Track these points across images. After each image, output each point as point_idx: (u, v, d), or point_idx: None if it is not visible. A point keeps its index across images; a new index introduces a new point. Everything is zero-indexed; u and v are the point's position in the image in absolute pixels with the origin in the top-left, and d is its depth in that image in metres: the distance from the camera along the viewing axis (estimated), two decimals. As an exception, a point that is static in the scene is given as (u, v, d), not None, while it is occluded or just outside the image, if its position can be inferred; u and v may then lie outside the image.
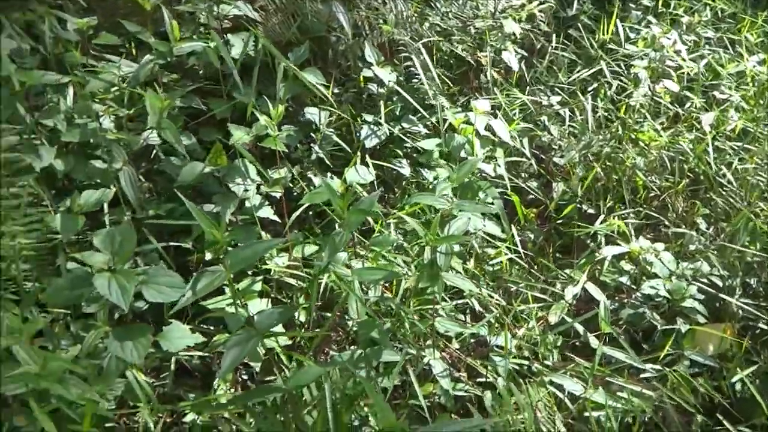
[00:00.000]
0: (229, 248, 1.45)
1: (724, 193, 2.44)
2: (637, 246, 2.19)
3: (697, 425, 1.85)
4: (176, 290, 1.42)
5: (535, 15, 2.82)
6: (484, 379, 1.88)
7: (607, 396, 1.75)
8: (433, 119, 2.42)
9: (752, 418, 1.81)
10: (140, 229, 1.89)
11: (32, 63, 1.91)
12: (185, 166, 1.94)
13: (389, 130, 2.33)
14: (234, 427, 1.62)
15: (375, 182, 2.20)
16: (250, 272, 1.96)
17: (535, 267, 2.32)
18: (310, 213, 2.26)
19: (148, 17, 2.19)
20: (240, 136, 1.97)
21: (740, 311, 2.04)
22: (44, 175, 1.80)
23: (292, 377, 1.49)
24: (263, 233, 1.99)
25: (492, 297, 2.03)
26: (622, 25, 2.95)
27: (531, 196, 2.55)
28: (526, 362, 1.89)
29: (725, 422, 1.77)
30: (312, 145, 2.28)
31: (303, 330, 1.89)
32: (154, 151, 2.08)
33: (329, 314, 1.93)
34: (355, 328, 1.89)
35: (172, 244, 1.96)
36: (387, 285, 2.02)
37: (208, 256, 1.92)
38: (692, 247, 2.27)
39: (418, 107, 2.37)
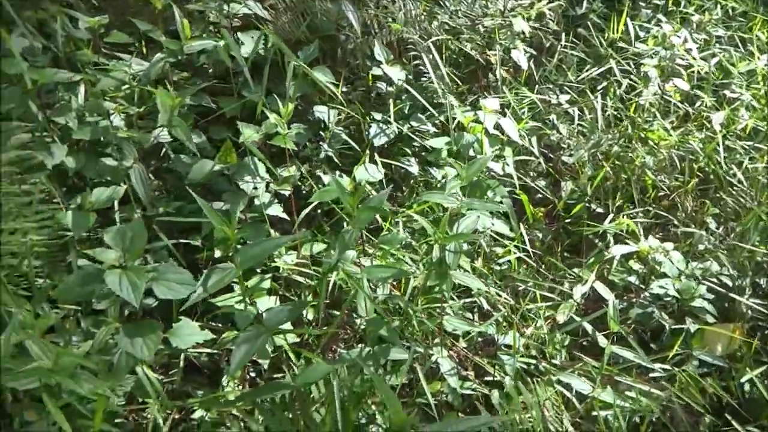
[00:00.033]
0: (238, 246, 1.46)
1: (734, 192, 2.43)
2: (646, 245, 2.18)
3: (705, 426, 1.84)
4: (186, 287, 1.43)
5: (544, 13, 2.82)
6: (491, 378, 1.88)
7: (615, 395, 1.75)
8: (442, 118, 2.42)
9: (761, 419, 1.81)
10: (150, 227, 1.90)
11: (44, 61, 1.92)
12: (195, 163, 1.95)
13: (398, 128, 2.33)
14: (242, 423, 1.63)
15: (384, 181, 2.20)
16: (258, 270, 1.97)
17: (543, 266, 2.31)
18: (319, 211, 2.27)
19: (159, 16, 2.20)
20: (250, 134, 1.97)
21: (749, 311, 2.03)
22: (56, 172, 1.81)
23: (301, 374, 1.49)
24: (272, 231, 2.00)
25: (500, 296, 2.03)
26: (632, 24, 2.93)
27: (539, 196, 2.55)
28: (534, 361, 1.89)
29: (734, 422, 1.76)
30: (321, 143, 2.28)
31: (311, 328, 1.90)
32: (164, 150, 2.09)
33: (337, 312, 1.94)
34: (363, 326, 1.90)
35: (181, 241, 1.97)
36: (395, 283, 2.02)
37: (217, 253, 1.93)
38: (701, 247, 2.26)
39: (428, 105, 2.37)
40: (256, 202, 1.98)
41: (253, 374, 1.94)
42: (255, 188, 1.97)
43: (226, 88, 2.21)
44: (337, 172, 2.23)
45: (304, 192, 2.24)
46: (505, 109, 2.54)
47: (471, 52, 2.64)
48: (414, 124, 2.40)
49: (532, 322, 2.04)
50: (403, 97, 2.43)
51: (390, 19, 2.47)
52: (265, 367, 1.86)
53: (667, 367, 1.88)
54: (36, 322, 1.30)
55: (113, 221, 1.87)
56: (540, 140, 2.56)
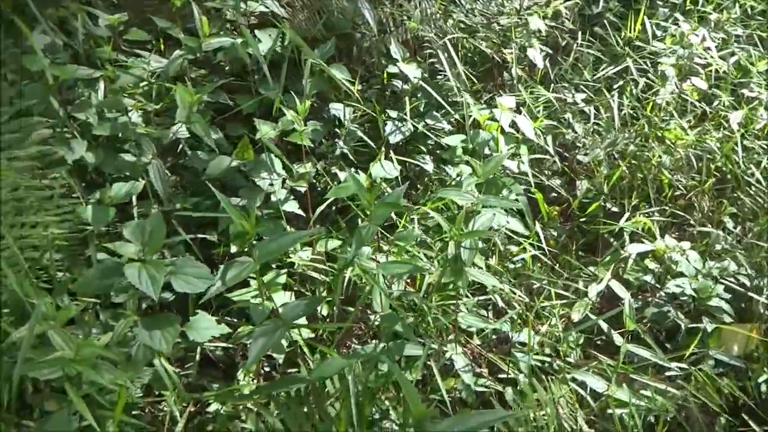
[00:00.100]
0: (254, 241, 1.47)
1: (751, 192, 2.41)
2: (662, 244, 2.17)
3: (720, 426, 1.83)
4: (204, 281, 1.45)
5: (560, 12, 2.81)
6: (505, 376, 1.88)
7: (631, 394, 1.74)
8: (457, 116, 2.42)
9: (778, 420, 1.80)
10: (168, 222, 1.92)
11: (65, 58, 1.95)
12: (213, 159, 1.96)
13: (413, 126, 2.33)
14: (257, 417, 1.64)
15: (399, 178, 2.21)
16: (274, 265, 1.98)
17: (558, 264, 2.31)
18: (333, 208, 2.28)
19: (177, 14, 2.22)
20: (267, 130, 1.99)
21: (767, 311, 2.02)
22: (76, 167, 1.84)
23: (316, 368, 1.50)
24: (288, 227, 2.01)
25: (515, 293, 2.03)
26: (650, 22, 2.92)
27: (553, 194, 2.54)
28: (548, 359, 1.89)
29: (751, 422, 1.75)
30: (336, 140, 2.29)
31: (326, 323, 1.91)
32: (180, 146, 2.11)
33: (351, 309, 1.95)
34: (377, 323, 1.91)
35: (199, 236, 1.99)
36: (409, 280, 2.03)
37: (233, 249, 1.94)
38: (718, 247, 2.25)
39: (443, 103, 2.37)
40: (273, 198, 1.99)
41: (267, 369, 1.96)
42: (271, 184, 1.98)
43: (242, 85, 2.23)
44: (352, 169, 2.24)
45: (318, 189, 2.25)
46: (521, 108, 2.53)
47: (486, 50, 2.64)
48: (429, 121, 2.41)
49: (547, 320, 2.03)
50: (419, 95, 2.44)
51: (405, 17, 2.48)
52: (280, 361, 1.88)
53: (684, 366, 1.88)
54: (57, 313, 1.32)
55: (131, 216, 1.90)
56: (555, 139, 2.56)
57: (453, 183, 2.27)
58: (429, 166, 2.34)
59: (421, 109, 2.44)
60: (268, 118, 2.09)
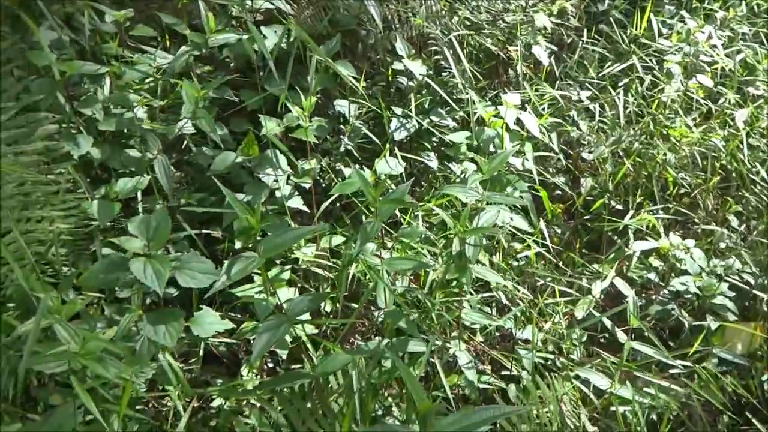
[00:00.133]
0: (258, 238, 1.48)
1: (756, 190, 2.40)
2: (667, 242, 2.17)
3: (723, 424, 1.83)
4: (209, 276, 1.45)
5: (565, 9, 2.81)
6: (508, 373, 1.88)
7: (634, 391, 1.74)
8: (462, 113, 2.42)
9: (781, 418, 1.80)
10: (173, 217, 1.92)
11: (71, 54, 1.96)
12: (218, 155, 1.97)
13: (418, 123, 2.33)
14: (261, 412, 1.65)
15: (404, 174, 2.21)
16: (278, 261, 1.99)
17: (562, 262, 2.31)
18: (337, 205, 2.28)
19: (182, 10, 2.23)
20: (272, 127, 1.99)
21: (771, 310, 2.01)
22: (81, 162, 1.85)
23: (320, 364, 1.51)
24: (292, 223, 2.02)
25: (518, 290, 2.03)
26: (656, 19, 2.91)
27: (558, 192, 2.54)
28: (552, 356, 1.89)
29: (754, 420, 1.75)
30: (341, 137, 2.30)
31: (329, 319, 1.92)
32: (185, 142, 2.12)
33: (354, 305, 1.95)
34: (380, 319, 1.91)
35: (203, 231, 2.00)
36: (413, 277, 2.03)
37: (238, 245, 1.95)
38: (723, 245, 2.24)
39: (449, 100, 2.37)
40: (277, 194, 2.00)
41: (271, 365, 1.97)
42: (276, 180, 1.99)
43: (247, 81, 2.23)
44: (357, 166, 2.24)
45: (323, 185, 2.26)
46: (526, 105, 2.53)
47: (491, 47, 2.64)
48: (434, 118, 2.41)
49: (550, 317, 2.03)
50: (424, 92, 2.44)
51: (411, 14, 2.48)
52: (284, 357, 1.88)
53: (687, 364, 1.87)
54: (63, 307, 1.32)
55: (136, 211, 1.90)
56: (560, 136, 2.56)
57: (457, 180, 2.27)
58: (433, 163, 2.34)
59: (426, 106, 2.44)
60: (273, 114, 2.09)
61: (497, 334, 2.04)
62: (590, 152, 2.55)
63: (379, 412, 1.73)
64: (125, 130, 1.95)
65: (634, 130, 2.57)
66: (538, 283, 2.17)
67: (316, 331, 1.87)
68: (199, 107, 1.83)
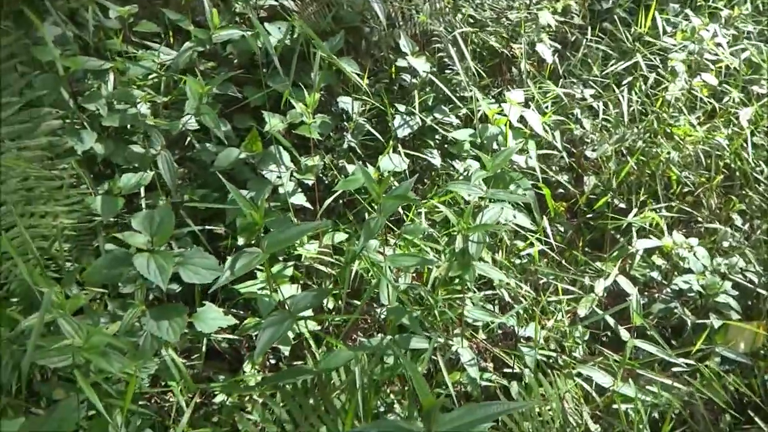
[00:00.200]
0: (261, 234, 1.48)
1: (760, 189, 2.40)
2: (670, 241, 2.16)
3: (725, 423, 1.83)
4: (212, 272, 1.45)
5: (570, 7, 2.80)
6: (511, 370, 1.88)
7: (636, 389, 1.74)
8: (465, 110, 2.42)
9: (784, 417, 1.79)
10: (176, 213, 1.93)
11: (75, 50, 1.96)
12: (221, 152, 1.97)
13: (421, 120, 2.33)
14: (263, 408, 1.65)
15: (407, 171, 2.21)
16: (281, 258, 1.99)
17: (564, 260, 2.31)
18: (340, 202, 2.28)
19: (186, 6, 2.23)
20: (275, 123, 1.99)
21: (774, 309, 2.01)
22: (85, 158, 1.85)
23: (323, 360, 1.51)
24: (295, 219, 2.02)
25: (521, 288, 2.03)
26: (660, 17, 2.90)
27: (561, 190, 2.54)
28: (554, 354, 1.89)
29: (757, 419, 1.75)
30: (345, 134, 2.29)
31: (332, 315, 1.92)
32: (189, 138, 2.12)
33: (357, 302, 1.95)
34: (383, 316, 1.91)
35: (206, 227, 2.00)
36: (416, 274, 2.03)
37: (240, 241, 1.95)
38: (726, 244, 2.24)
39: (452, 97, 2.37)
40: (280, 190, 2.00)
41: (273, 361, 1.97)
42: (279, 177, 1.99)
43: (250, 78, 2.23)
44: (360, 163, 2.24)
45: (326, 182, 2.25)
46: (529, 103, 2.53)
47: (495, 45, 2.63)
48: (437, 116, 2.41)
49: (553, 315, 2.03)
50: (427, 89, 2.44)
51: (415, 11, 2.47)
52: (286, 353, 1.89)
53: (690, 362, 1.87)
54: (66, 302, 1.32)
55: (139, 207, 1.91)
56: (563, 134, 2.55)
57: (460, 177, 2.27)
58: (437, 161, 2.34)
59: (430, 103, 2.44)
60: (276, 110, 2.09)
61: (500, 331, 2.04)
62: (594, 150, 2.55)
63: (382, 409, 1.74)
64: (129, 126, 1.95)
65: (638, 128, 2.57)
66: (541, 281, 2.17)
67: (319, 327, 1.87)
68: (203, 103, 1.83)
